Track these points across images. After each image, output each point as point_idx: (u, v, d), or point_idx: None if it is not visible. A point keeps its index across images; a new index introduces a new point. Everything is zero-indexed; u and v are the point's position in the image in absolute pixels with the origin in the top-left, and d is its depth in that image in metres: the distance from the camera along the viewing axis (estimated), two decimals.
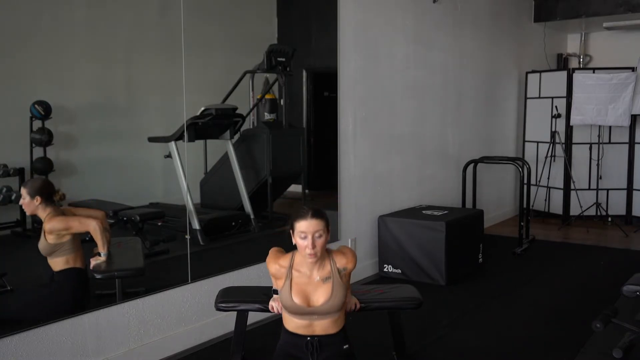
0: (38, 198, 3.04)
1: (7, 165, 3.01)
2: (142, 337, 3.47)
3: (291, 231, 2.65)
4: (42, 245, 3.09)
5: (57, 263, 3.12)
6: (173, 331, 3.64)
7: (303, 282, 2.67)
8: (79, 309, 3.17)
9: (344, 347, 2.75)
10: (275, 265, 2.71)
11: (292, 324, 2.73)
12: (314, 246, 2.57)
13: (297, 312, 2.68)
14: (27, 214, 3.08)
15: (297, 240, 2.61)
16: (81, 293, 3.22)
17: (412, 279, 4.96)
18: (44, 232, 3.07)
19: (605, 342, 3.64)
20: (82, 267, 3.18)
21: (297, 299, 2.65)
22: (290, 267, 2.69)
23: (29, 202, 3.03)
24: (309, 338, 2.70)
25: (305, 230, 2.57)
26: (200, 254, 3.86)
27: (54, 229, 3.06)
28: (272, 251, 2.79)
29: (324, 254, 2.69)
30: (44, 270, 3.12)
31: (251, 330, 3.80)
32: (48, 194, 3.08)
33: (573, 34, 9.03)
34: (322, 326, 2.70)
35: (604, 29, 8.27)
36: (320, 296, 2.66)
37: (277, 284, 2.75)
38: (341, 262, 2.71)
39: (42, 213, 3.07)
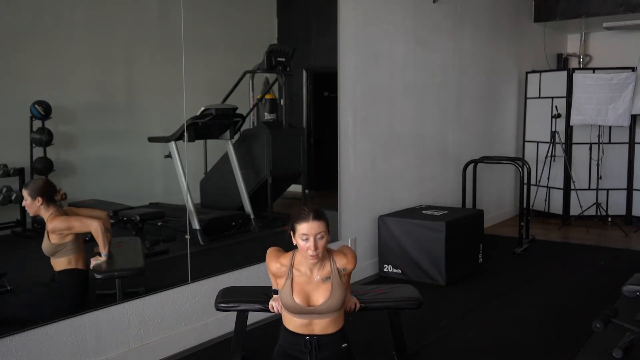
0: (39, 199, 3.05)
1: (7, 165, 3.01)
2: (142, 337, 3.47)
3: (291, 232, 2.65)
4: (45, 245, 3.10)
5: (60, 263, 3.12)
6: (173, 331, 3.64)
7: (303, 281, 2.68)
8: (79, 310, 3.17)
9: (343, 346, 2.76)
10: (276, 264, 2.71)
11: (292, 323, 2.74)
12: (316, 247, 2.57)
13: (297, 311, 2.69)
14: (30, 215, 3.09)
15: (298, 241, 2.62)
16: (81, 294, 3.22)
17: (412, 279, 4.96)
18: (47, 233, 3.07)
19: (605, 342, 3.64)
20: (83, 269, 3.19)
21: (297, 299, 2.66)
22: (291, 266, 2.69)
23: (30, 203, 3.04)
24: (307, 337, 2.71)
25: (307, 232, 2.57)
26: (200, 254, 3.86)
27: (56, 229, 3.07)
28: (272, 250, 2.79)
29: (325, 254, 2.70)
30: (45, 270, 3.12)
31: (251, 330, 3.80)
32: (49, 194, 3.08)
33: (573, 34, 9.03)
34: (322, 325, 2.71)
35: (604, 29, 8.27)
36: (320, 296, 2.67)
37: (277, 284, 2.76)
38: (341, 262, 2.72)
39: (45, 213, 3.08)
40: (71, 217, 3.14)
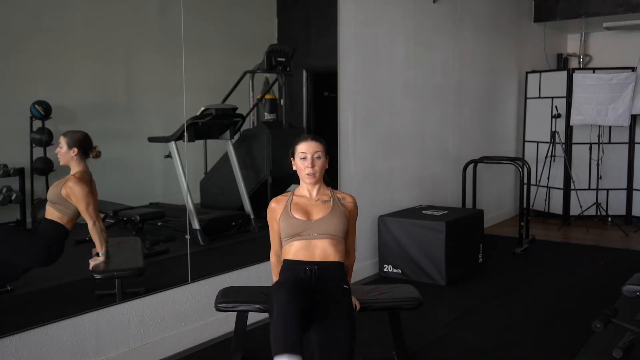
0: (75, 149, 3.08)
1: (7, 165, 3.01)
2: (142, 337, 3.47)
3: (292, 159, 2.79)
4: (53, 191, 3.10)
5: (53, 214, 3.10)
6: (173, 331, 3.64)
7: (303, 202, 2.78)
8: (49, 262, 3.15)
9: (344, 286, 2.75)
10: (276, 198, 2.84)
11: (292, 249, 2.74)
12: (313, 165, 2.72)
13: (297, 228, 2.71)
14: (61, 163, 3.10)
15: (297, 163, 2.76)
16: (57, 248, 3.17)
17: (412, 279, 4.96)
18: (64, 184, 3.08)
19: (605, 342, 3.64)
20: (69, 230, 3.15)
21: (296, 215, 2.74)
22: (292, 194, 2.82)
23: (65, 152, 3.07)
24: (307, 267, 2.70)
25: (305, 150, 2.73)
26: (200, 254, 3.86)
27: (72, 191, 3.08)
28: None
29: (324, 186, 2.82)
30: (46, 270, 3.12)
31: (251, 330, 3.80)
32: (85, 148, 3.11)
33: (573, 34, 9.03)
34: (322, 248, 2.71)
35: (604, 29, 8.27)
36: (320, 212, 2.76)
37: (275, 220, 2.80)
38: (341, 194, 2.87)
39: (75, 167, 3.11)
40: (88, 196, 3.12)
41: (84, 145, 3.12)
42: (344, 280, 2.77)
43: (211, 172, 4.23)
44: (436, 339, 3.83)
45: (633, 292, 3.44)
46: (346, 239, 2.84)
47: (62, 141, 3.09)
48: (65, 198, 3.10)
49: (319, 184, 2.80)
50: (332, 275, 2.72)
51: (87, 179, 3.14)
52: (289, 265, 2.74)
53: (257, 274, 4.13)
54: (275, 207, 2.81)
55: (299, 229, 2.70)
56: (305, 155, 2.74)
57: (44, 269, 3.17)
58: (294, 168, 2.81)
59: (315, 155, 2.74)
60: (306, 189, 2.79)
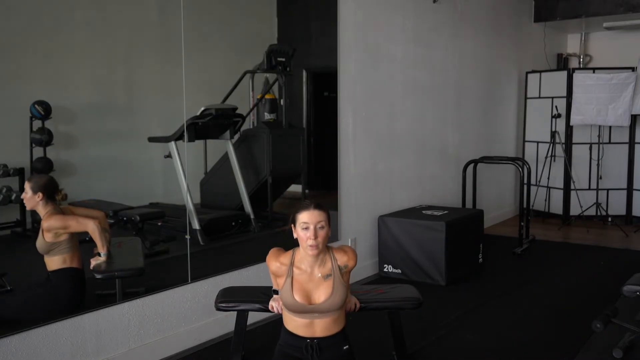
0: (40, 194, 3.05)
1: (7, 165, 3.01)
2: (142, 337, 3.47)
3: (292, 226, 2.65)
4: (39, 243, 3.09)
5: (54, 262, 3.11)
6: (173, 331, 3.64)
7: (304, 279, 2.66)
8: (76, 310, 3.17)
9: (344, 347, 2.75)
10: (276, 262, 2.70)
11: (293, 323, 2.72)
12: (316, 237, 2.57)
13: (298, 310, 2.67)
14: (27, 208, 3.08)
15: (298, 232, 2.61)
16: (77, 293, 3.21)
17: (412, 279, 4.96)
18: (42, 230, 3.07)
19: (605, 342, 3.64)
20: (79, 267, 3.18)
21: (298, 297, 2.64)
22: (291, 264, 2.68)
23: (30, 197, 3.04)
24: (308, 340, 2.69)
25: (307, 220, 2.57)
26: (200, 254, 3.86)
27: (52, 227, 3.06)
28: (273, 250, 2.79)
29: (325, 251, 2.69)
30: (45, 270, 3.12)
31: (251, 330, 3.80)
32: (51, 192, 3.08)
33: (573, 34, 9.03)
34: (323, 326, 2.69)
35: (604, 29, 8.27)
36: (322, 294, 2.65)
37: (277, 283, 2.75)
38: (342, 259, 2.71)
39: (42, 210, 3.07)
40: (68, 216, 3.14)
41: (49, 190, 3.08)
42: (344, 342, 2.76)
43: (211, 172, 4.23)
44: (436, 339, 3.83)
45: (633, 292, 3.44)
46: None
47: (27, 187, 3.04)
48: (54, 241, 3.08)
49: (321, 254, 2.68)
50: (333, 343, 2.72)
51: (57, 211, 3.10)
52: (290, 335, 2.73)
53: (257, 274, 4.13)
54: (276, 272, 2.70)
55: (300, 309, 2.66)
56: (307, 226, 2.57)
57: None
58: (295, 236, 2.66)
59: (319, 226, 2.58)
60: (307, 260, 2.66)
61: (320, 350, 2.69)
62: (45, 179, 3.10)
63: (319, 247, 2.59)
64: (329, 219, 2.64)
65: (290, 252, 2.72)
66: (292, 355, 2.72)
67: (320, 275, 2.66)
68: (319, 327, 2.69)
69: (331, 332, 2.71)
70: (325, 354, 2.70)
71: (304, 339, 2.70)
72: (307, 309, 2.66)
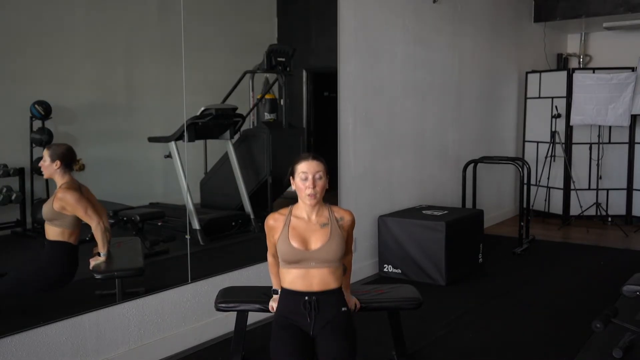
0: (58, 162, 3.07)
1: (7, 165, 3.01)
2: (142, 337, 3.47)
3: (291, 177, 2.71)
4: (46, 208, 3.10)
5: (53, 232, 3.11)
6: (173, 331, 3.64)
7: (301, 226, 2.71)
8: (65, 283, 3.17)
9: (343, 309, 2.73)
10: (273, 217, 2.75)
11: (289, 276, 2.71)
12: (314, 186, 2.64)
13: (295, 258, 2.67)
14: (44, 176, 3.10)
15: (297, 183, 2.68)
16: (69, 269, 3.20)
17: (412, 279, 4.96)
18: (54, 197, 3.08)
19: (605, 342, 3.65)
20: (75, 244, 3.17)
21: (295, 243, 2.67)
22: (289, 213, 2.74)
23: (48, 165, 3.07)
24: (306, 297, 2.68)
25: (306, 170, 2.65)
26: (200, 254, 3.86)
27: (64, 200, 3.08)
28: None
29: (323, 205, 2.74)
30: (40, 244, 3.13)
31: (251, 330, 3.80)
32: (69, 161, 3.11)
33: (573, 34, 9.03)
34: (320, 278, 2.68)
35: (604, 29, 8.27)
36: (318, 240, 2.68)
37: (274, 238, 2.75)
38: (339, 213, 2.78)
39: (59, 179, 3.10)
40: (82, 200, 3.13)
41: (67, 158, 3.11)
42: (342, 303, 2.76)
43: (211, 172, 4.23)
44: (436, 339, 3.83)
45: (633, 292, 3.45)
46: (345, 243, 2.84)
47: (45, 154, 3.08)
48: (60, 211, 3.09)
49: (318, 205, 2.73)
50: (331, 302, 2.71)
51: (75, 187, 3.13)
52: (287, 295, 2.73)
53: (257, 274, 4.13)
54: (274, 226, 2.74)
55: (297, 257, 2.67)
56: (306, 176, 2.64)
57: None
58: (293, 188, 2.72)
59: (317, 176, 2.65)
60: (305, 210, 2.71)
61: (319, 307, 2.67)
62: (64, 148, 3.13)
63: (317, 196, 2.66)
64: (327, 169, 2.72)
65: (287, 207, 2.78)
66: (291, 323, 2.70)
67: (317, 222, 2.72)
68: (316, 280, 2.68)
69: (329, 287, 2.70)
70: (324, 314, 2.68)
71: (301, 295, 2.68)
72: (304, 256, 2.67)
